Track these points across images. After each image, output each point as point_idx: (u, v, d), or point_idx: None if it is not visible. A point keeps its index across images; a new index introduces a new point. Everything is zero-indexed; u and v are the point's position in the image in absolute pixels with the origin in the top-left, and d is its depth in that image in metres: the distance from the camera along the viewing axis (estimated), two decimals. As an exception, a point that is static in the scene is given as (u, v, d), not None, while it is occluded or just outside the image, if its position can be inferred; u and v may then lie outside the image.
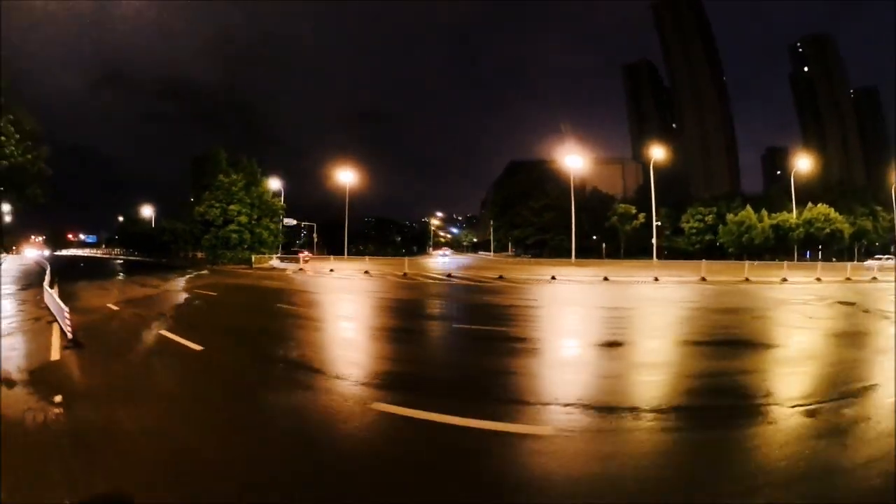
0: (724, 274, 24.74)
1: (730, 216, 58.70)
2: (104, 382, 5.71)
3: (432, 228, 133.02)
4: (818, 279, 23.02)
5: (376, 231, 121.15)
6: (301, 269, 31.53)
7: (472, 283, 21.45)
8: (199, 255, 45.35)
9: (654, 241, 51.05)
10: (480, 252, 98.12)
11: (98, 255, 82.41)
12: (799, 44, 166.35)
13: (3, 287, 17.79)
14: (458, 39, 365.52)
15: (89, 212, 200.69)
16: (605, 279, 22.33)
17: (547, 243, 68.36)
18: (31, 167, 25.97)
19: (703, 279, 22.48)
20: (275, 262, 39.55)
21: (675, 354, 7.64)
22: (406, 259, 34.24)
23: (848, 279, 23.48)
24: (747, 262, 27.76)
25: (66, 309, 8.23)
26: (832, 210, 54.32)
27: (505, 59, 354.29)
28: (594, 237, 69.98)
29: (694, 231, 63.48)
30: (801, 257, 54.62)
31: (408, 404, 4.53)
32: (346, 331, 10.31)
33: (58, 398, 4.79)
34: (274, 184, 50.97)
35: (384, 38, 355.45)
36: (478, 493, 3.00)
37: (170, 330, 8.96)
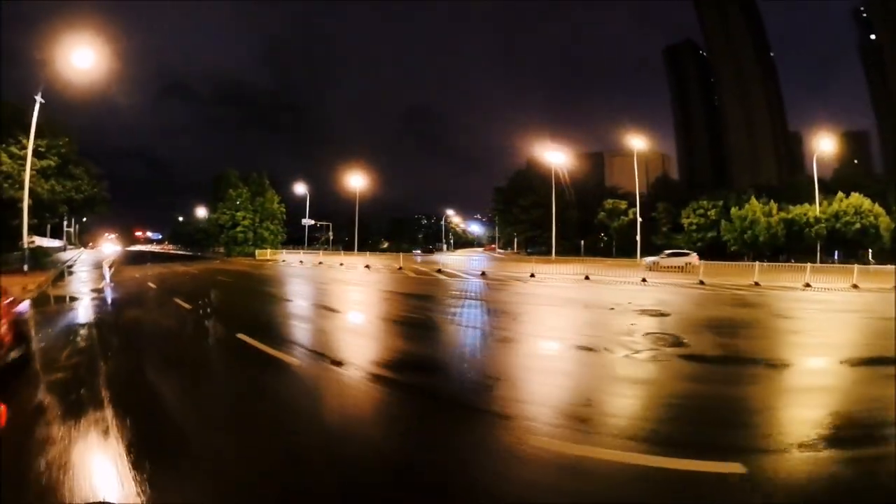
0: (728, 277, 20.96)
1: (733, 210, 52.06)
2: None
3: (455, 226, 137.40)
4: (854, 286, 18.19)
5: (396, 228, 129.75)
6: (320, 263, 37.01)
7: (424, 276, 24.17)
8: (220, 249, 57.71)
9: (637, 237, 49.92)
10: (498, 250, 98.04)
11: (155, 250, 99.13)
12: (862, 7, 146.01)
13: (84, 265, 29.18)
14: (502, 29, 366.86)
15: (156, 211, 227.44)
16: (587, 278, 21.20)
17: (535, 240, 71.87)
18: (97, 195, 38.03)
19: (702, 282, 19.36)
20: (283, 255, 49.43)
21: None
22: (401, 255, 38.73)
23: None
24: (757, 264, 22.47)
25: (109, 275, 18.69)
26: (866, 201, 46.22)
27: (544, 52, 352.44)
28: (591, 235, 68.62)
29: (694, 227, 56.54)
30: (827, 258, 46.30)
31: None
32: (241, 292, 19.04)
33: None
34: (299, 188, 63.77)
35: (433, 33, 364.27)
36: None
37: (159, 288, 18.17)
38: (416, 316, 11.33)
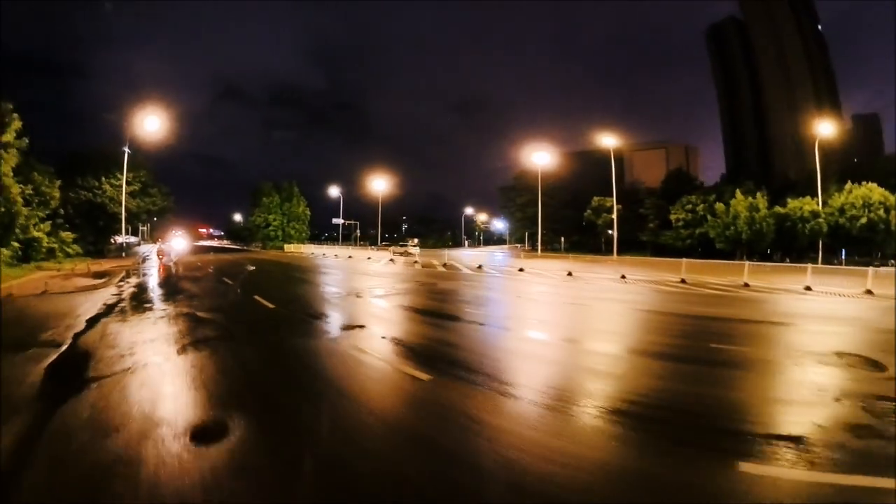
0: (710, 275, 20.19)
1: (718, 205, 49.48)
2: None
3: (480, 224, 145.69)
4: (868, 291, 15.42)
5: (424, 225, 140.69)
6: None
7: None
8: (258, 244, 72.19)
9: (614, 232, 50.26)
10: (519, 245, 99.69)
11: (215, 245, 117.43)
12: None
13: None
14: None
15: (218, 209, 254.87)
16: (569, 274, 21.63)
17: (535, 237, 79.65)
18: (167, 206, 52.38)
19: (683, 281, 18.51)
20: (304, 248, 62.67)
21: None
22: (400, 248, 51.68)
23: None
24: (747, 263, 20.24)
25: (160, 259, 31.66)
26: (877, 192, 41.23)
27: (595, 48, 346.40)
28: (589, 232, 70.03)
29: (681, 224, 54.43)
30: (832, 258, 42.32)
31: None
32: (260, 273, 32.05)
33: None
34: (333, 191, 77.03)
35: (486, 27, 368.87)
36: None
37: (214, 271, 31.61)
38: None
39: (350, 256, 43.54)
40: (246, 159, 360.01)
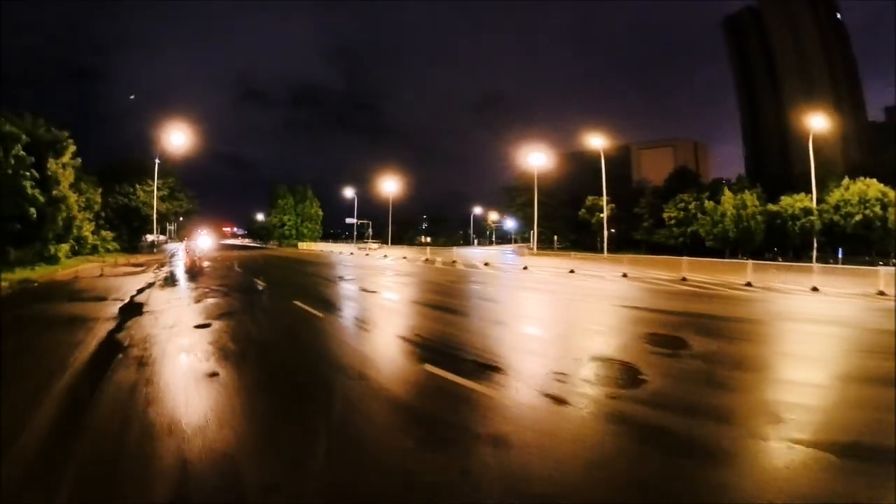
0: (700, 274, 19.23)
1: (708, 203, 49.96)
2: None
3: (491, 222, 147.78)
4: (881, 293, 14.21)
5: (439, 223, 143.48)
6: (367, 254, 46.56)
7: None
8: (274, 242, 77.88)
9: (604, 231, 51.84)
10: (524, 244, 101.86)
11: (237, 243, 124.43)
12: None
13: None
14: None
15: (241, 207, 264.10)
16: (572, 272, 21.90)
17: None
18: (192, 209, 58.15)
19: (684, 279, 18.00)
20: (318, 246, 68.01)
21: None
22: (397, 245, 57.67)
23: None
24: (750, 262, 19.29)
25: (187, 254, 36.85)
26: (874, 188, 39.84)
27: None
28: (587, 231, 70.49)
29: (673, 222, 55.22)
30: (826, 257, 38.68)
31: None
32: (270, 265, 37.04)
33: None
34: (348, 192, 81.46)
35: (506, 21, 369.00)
36: None
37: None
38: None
39: (352, 253, 48.30)
40: (268, 159, 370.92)
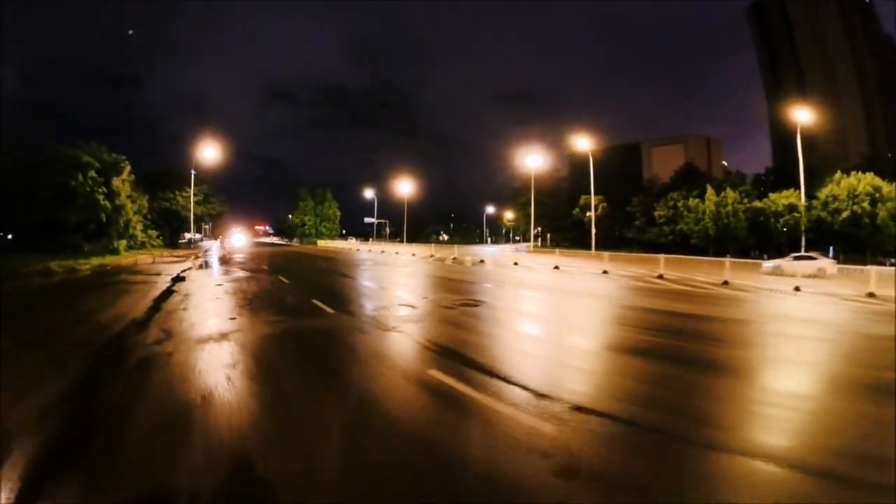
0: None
1: (692, 201, 50.19)
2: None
3: (506, 220, 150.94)
4: (871, 294, 13.69)
5: (457, 221, 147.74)
6: (383, 251, 49.96)
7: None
8: (296, 240, 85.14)
9: (591, 229, 52.09)
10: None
11: (266, 241, 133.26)
12: None
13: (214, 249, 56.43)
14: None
15: (273, 206, 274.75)
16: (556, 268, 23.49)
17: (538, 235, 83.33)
18: (223, 211, 65.41)
19: (661, 276, 18.39)
20: (335, 243, 74.85)
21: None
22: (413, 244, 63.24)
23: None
24: (729, 259, 20.25)
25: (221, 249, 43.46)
26: (865, 182, 38.08)
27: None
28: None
29: (663, 220, 55.38)
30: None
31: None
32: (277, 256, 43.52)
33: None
34: (368, 192, 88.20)
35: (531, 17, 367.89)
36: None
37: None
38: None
39: (357, 249, 54.40)
40: (297, 159, 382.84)
